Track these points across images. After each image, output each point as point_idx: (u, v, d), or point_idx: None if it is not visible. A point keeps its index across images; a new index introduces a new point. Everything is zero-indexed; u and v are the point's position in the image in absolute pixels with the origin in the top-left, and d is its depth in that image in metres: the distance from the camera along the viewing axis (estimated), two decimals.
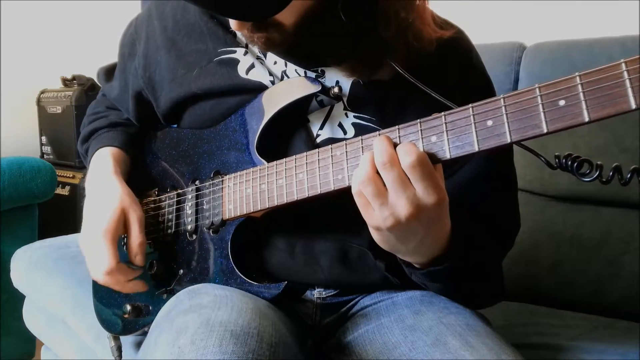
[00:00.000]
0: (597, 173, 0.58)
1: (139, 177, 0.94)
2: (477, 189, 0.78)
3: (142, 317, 0.88)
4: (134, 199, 0.86)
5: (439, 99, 0.70)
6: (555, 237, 1.29)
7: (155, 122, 0.95)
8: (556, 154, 0.61)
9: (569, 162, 0.60)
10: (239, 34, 0.84)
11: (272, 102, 0.79)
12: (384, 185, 0.61)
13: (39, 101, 2.61)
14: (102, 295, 0.97)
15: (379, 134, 0.65)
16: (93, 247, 0.82)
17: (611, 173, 0.58)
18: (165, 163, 0.93)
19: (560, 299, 1.24)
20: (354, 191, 0.63)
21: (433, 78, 0.74)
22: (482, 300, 0.80)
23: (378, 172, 0.61)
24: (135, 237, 0.83)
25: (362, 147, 0.66)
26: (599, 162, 0.58)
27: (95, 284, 0.99)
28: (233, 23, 0.73)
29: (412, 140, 0.62)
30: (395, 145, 0.62)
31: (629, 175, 0.57)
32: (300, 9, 0.71)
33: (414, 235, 0.64)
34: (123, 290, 0.85)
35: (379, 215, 0.62)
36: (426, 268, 0.70)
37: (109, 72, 1.05)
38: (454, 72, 0.80)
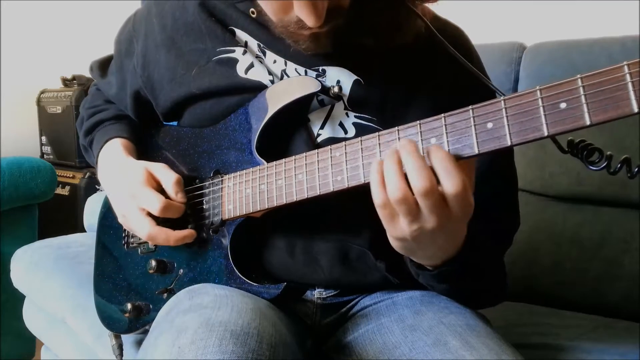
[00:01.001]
0: (606, 163, 0.57)
1: None
2: (477, 187, 0.78)
3: (143, 316, 0.88)
4: (151, 162, 0.88)
5: (439, 100, 0.70)
6: (555, 237, 1.29)
7: (154, 120, 0.95)
8: (569, 138, 0.60)
9: (580, 149, 0.60)
10: (238, 32, 0.84)
11: (272, 102, 0.79)
12: (417, 204, 0.59)
13: (39, 101, 2.62)
14: (103, 294, 0.97)
15: (379, 135, 0.64)
16: (138, 202, 0.83)
17: (619, 165, 0.57)
18: (165, 161, 0.92)
19: (560, 299, 1.24)
20: (381, 203, 0.61)
21: (434, 69, 0.74)
22: (485, 300, 0.80)
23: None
24: (169, 178, 0.83)
25: (362, 148, 0.65)
26: (609, 153, 0.58)
27: (96, 283, 0.99)
28: (311, 17, 0.68)
29: None
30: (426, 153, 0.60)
31: (636, 169, 0.56)
32: None
33: (434, 242, 0.63)
34: (170, 241, 0.82)
35: (406, 229, 0.61)
36: (437, 269, 0.70)
37: (102, 66, 1.04)
38: (456, 63, 0.80)
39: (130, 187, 0.84)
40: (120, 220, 0.88)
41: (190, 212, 0.85)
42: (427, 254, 0.67)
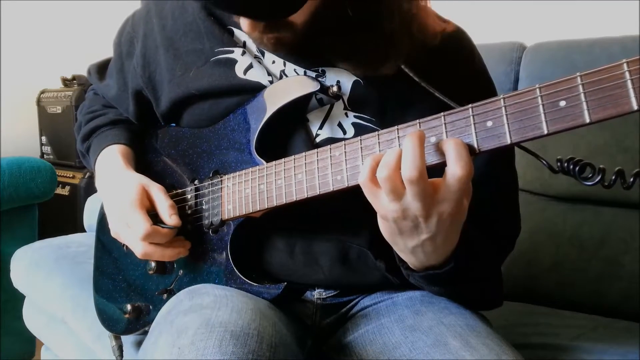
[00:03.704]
0: (600, 177, 0.58)
1: None
2: (477, 192, 0.78)
3: (143, 317, 0.88)
4: (150, 180, 0.87)
5: (441, 99, 0.70)
6: (555, 237, 1.29)
7: (155, 121, 0.95)
8: (558, 157, 0.61)
9: (571, 166, 0.60)
10: (237, 32, 0.84)
11: (271, 102, 0.79)
12: (403, 185, 0.60)
13: (39, 101, 2.61)
14: (103, 295, 0.97)
15: (378, 134, 0.64)
16: (127, 221, 0.82)
17: (613, 177, 0.57)
18: (164, 162, 0.92)
19: (560, 299, 1.24)
20: (361, 180, 0.62)
21: (436, 74, 0.74)
22: (480, 305, 0.80)
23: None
24: (162, 201, 0.83)
25: (361, 147, 0.65)
26: (601, 166, 0.58)
27: (96, 284, 0.99)
28: (245, 24, 0.73)
29: None
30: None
31: (631, 180, 0.56)
32: (310, 7, 0.71)
33: (417, 234, 0.63)
34: (165, 258, 0.82)
35: (388, 206, 0.61)
36: (423, 271, 0.70)
37: (100, 70, 1.04)
38: (456, 68, 0.80)
39: (122, 206, 0.83)
40: (113, 235, 0.88)
41: (189, 213, 0.84)
42: (407, 246, 0.66)
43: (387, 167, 0.59)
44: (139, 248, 0.81)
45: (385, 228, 0.65)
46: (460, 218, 0.63)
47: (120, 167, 0.89)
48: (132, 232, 0.81)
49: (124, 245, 0.94)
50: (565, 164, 0.60)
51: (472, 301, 0.78)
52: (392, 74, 0.75)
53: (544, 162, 0.63)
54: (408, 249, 0.66)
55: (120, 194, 0.84)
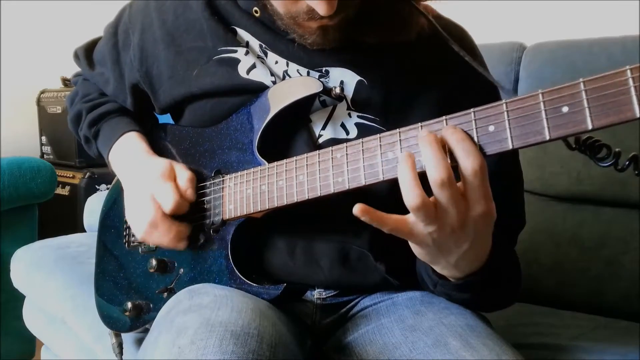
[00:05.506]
0: (614, 160, 0.57)
1: None
2: None
3: (143, 315, 0.88)
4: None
5: (442, 100, 0.70)
6: (555, 237, 1.29)
7: (154, 113, 0.95)
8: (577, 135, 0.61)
9: (588, 145, 0.59)
10: (240, 32, 0.84)
11: (274, 102, 0.79)
12: (434, 204, 0.58)
13: (39, 101, 2.62)
14: (104, 293, 0.97)
15: (380, 137, 0.64)
16: (155, 192, 0.81)
17: (627, 162, 0.57)
18: None
19: (560, 299, 1.24)
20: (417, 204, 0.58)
21: (437, 69, 0.75)
22: (501, 305, 0.80)
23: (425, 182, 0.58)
24: (183, 174, 0.83)
25: (363, 149, 0.65)
26: (617, 149, 0.57)
27: (97, 282, 0.99)
28: (323, 4, 0.66)
29: (412, 144, 0.61)
30: (445, 145, 0.58)
31: None
32: None
33: (457, 247, 0.62)
34: (172, 233, 0.82)
35: (423, 231, 0.60)
36: (462, 280, 0.69)
37: (88, 54, 1.03)
38: (459, 62, 0.80)
39: (150, 180, 0.83)
40: (128, 210, 0.87)
41: (191, 212, 0.84)
42: (449, 262, 0.65)
43: (416, 195, 0.57)
44: (151, 214, 0.80)
45: (425, 254, 0.64)
46: (492, 216, 0.61)
47: (147, 151, 0.89)
48: (161, 201, 0.80)
49: (125, 242, 0.94)
50: (582, 142, 0.60)
51: (495, 303, 0.78)
52: (412, 38, 0.76)
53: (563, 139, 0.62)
54: (451, 264, 0.65)
55: (149, 171, 0.84)
